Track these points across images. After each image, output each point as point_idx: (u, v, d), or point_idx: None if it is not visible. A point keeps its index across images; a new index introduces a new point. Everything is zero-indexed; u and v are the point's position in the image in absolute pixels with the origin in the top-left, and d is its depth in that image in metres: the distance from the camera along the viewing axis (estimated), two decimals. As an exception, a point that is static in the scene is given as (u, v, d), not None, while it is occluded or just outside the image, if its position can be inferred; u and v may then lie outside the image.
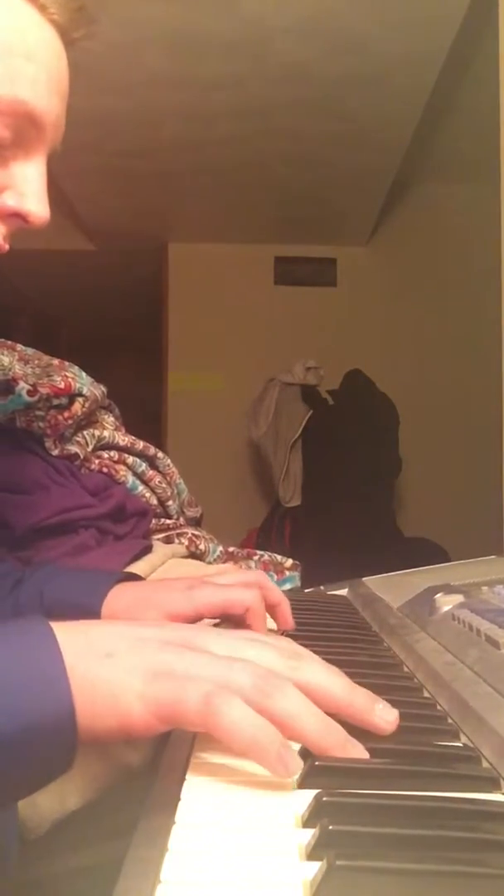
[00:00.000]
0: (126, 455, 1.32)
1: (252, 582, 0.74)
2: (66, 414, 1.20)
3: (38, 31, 0.64)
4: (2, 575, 0.84)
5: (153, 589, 0.75)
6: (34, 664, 0.43)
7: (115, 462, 1.29)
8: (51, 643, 0.44)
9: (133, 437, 1.34)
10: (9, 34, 0.62)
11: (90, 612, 0.72)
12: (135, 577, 0.80)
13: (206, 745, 0.47)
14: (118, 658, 0.45)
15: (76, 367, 1.29)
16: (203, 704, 0.42)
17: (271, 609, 0.74)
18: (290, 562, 1.41)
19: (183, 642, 0.47)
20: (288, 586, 1.33)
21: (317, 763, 0.43)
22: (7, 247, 0.69)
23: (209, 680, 0.43)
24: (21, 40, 0.62)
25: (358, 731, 0.47)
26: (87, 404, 1.23)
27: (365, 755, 0.45)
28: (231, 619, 0.71)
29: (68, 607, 0.74)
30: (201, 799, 0.42)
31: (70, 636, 0.45)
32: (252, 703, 0.43)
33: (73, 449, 1.22)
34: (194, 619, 0.71)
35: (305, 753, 0.46)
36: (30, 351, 1.29)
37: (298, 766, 0.42)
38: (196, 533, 1.34)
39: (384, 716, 0.48)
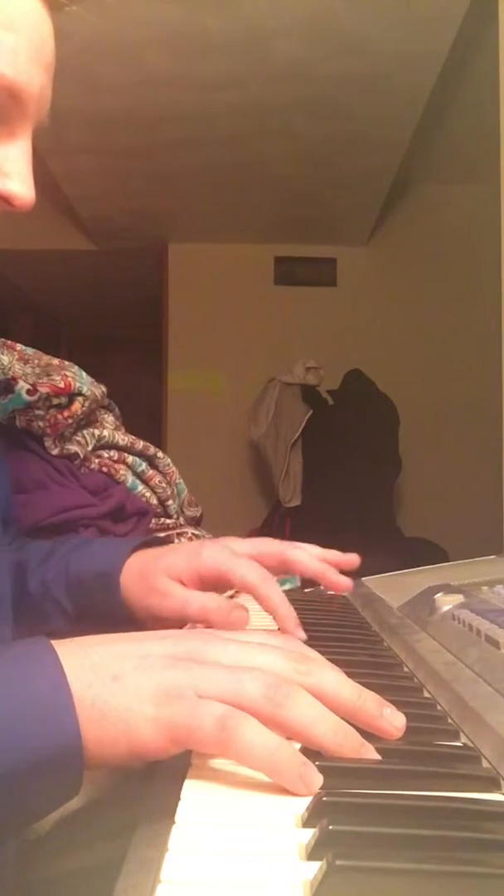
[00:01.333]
0: (126, 454, 1.32)
1: (272, 553, 0.74)
2: (65, 413, 1.19)
3: (20, 1, 0.60)
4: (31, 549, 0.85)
5: (163, 552, 0.76)
6: (39, 695, 0.42)
7: (115, 461, 1.29)
8: (55, 672, 0.43)
9: (133, 437, 1.34)
10: None
11: (110, 579, 0.75)
12: (158, 542, 0.81)
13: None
14: (125, 680, 0.44)
15: (76, 367, 1.29)
16: (218, 729, 0.41)
17: (310, 580, 0.75)
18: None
19: (189, 655, 0.46)
20: (287, 586, 1.33)
21: (317, 764, 0.43)
22: None
23: (220, 695, 0.43)
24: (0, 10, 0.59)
25: (358, 730, 0.47)
26: (86, 404, 1.23)
27: (377, 757, 0.45)
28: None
29: (90, 576, 0.77)
30: (201, 799, 0.42)
31: (73, 660, 0.44)
32: (265, 715, 0.43)
33: (73, 448, 1.22)
34: (196, 581, 0.71)
35: (305, 755, 0.46)
36: (29, 350, 1.28)
37: (318, 781, 0.42)
38: (196, 532, 1.35)
39: (392, 721, 0.48)
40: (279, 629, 0.70)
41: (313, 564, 0.74)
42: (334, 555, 0.76)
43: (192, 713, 0.42)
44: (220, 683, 0.43)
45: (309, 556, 0.75)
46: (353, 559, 0.77)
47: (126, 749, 0.43)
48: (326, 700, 0.45)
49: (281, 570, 0.75)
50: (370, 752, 0.45)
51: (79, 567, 0.79)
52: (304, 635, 0.68)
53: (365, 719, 0.47)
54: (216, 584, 0.72)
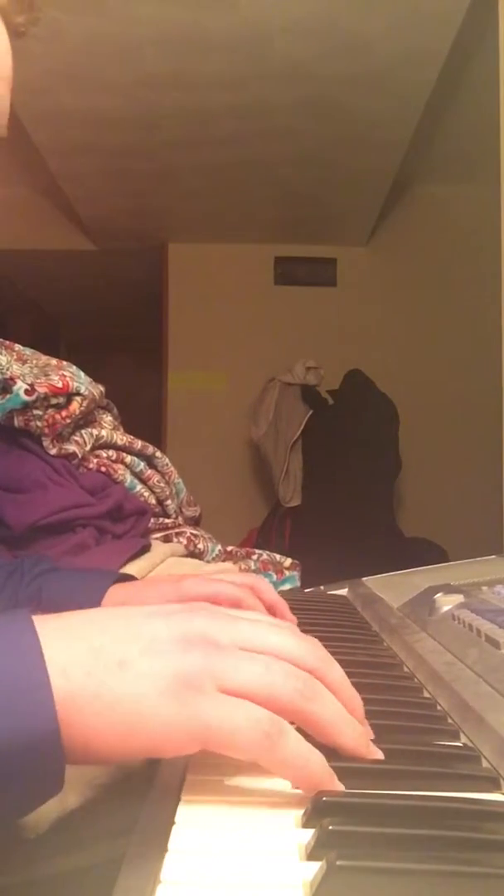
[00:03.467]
0: (124, 454, 1.32)
1: (245, 583, 0.73)
2: (63, 413, 1.19)
3: None
4: None
5: (144, 585, 0.76)
6: (9, 675, 0.37)
7: (114, 461, 1.29)
8: (32, 649, 0.38)
9: (131, 437, 1.34)
10: None
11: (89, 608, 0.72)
12: (130, 579, 0.80)
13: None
14: (134, 667, 0.39)
15: (74, 367, 1.29)
16: (261, 737, 0.39)
17: (268, 610, 0.73)
18: (289, 561, 1.41)
19: (203, 636, 0.42)
20: (288, 586, 1.33)
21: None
22: None
23: (250, 687, 0.40)
24: None
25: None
26: (84, 403, 1.23)
27: (381, 756, 0.45)
28: None
29: (64, 605, 0.74)
30: (201, 799, 0.42)
31: (66, 642, 0.40)
32: (294, 709, 0.41)
33: (72, 448, 1.22)
34: None
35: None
36: (28, 350, 1.29)
37: (341, 787, 0.41)
38: (194, 532, 1.35)
39: (367, 729, 0.47)
40: None
41: (275, 597, 0.74)
42: (284, 608, 0.75)
43: (227, 716, 0.39)
44: (249, 672, 0.41)
45: (273, 591, 0.75)
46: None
47: (139, 745, 0.39)
48: (339, 694, 0.45)
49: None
50: (378, 752, 0.45)
51: (53, 593, 0.76)
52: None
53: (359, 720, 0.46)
54: None
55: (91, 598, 0.73)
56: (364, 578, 1.06)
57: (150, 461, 1.36)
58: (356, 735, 0.44)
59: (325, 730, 0.43)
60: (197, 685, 0.39)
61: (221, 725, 0.39)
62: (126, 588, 0.75)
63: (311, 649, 0.45)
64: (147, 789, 0.44)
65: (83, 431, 1.26)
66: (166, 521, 1.36)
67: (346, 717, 0.44)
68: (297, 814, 0.39)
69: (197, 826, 0.38)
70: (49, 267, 5.01)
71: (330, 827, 0.35)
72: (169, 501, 1.37)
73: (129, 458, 1.32)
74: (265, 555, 1.42)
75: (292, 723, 0.42)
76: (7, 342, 1.27)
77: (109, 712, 0.38)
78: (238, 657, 0.41)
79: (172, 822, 0.38)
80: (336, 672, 0.46)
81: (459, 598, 0.75)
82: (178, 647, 0.41)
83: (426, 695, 0.60)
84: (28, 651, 0.38)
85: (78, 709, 0.38)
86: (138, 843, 0.37)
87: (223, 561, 1.33)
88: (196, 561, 1.28)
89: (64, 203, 4.16)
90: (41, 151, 3.35)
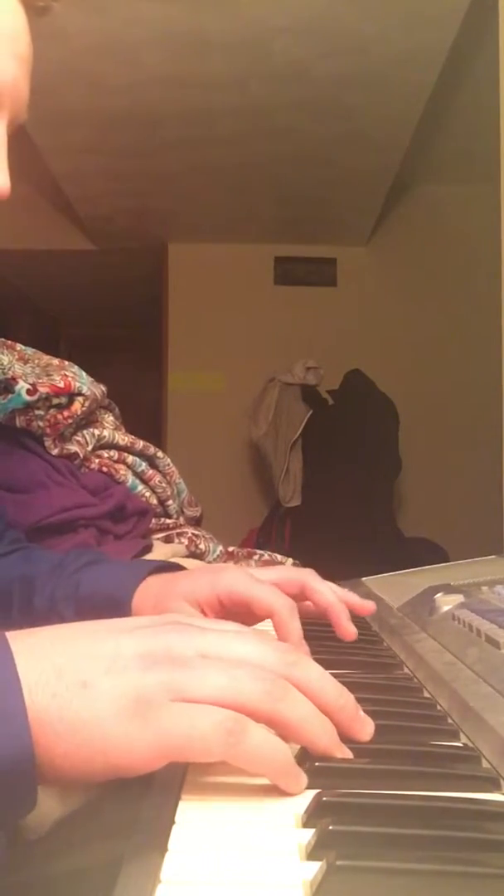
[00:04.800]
0: (126, 454, 1.32)
1: (294, 581, 0.70)
2: (65, 413, 1.20)
3: None
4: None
5: (179, 577, 0.73)
6: None
7: (115, 461, 1.29)
8: (7, 672, 0.38)
9: (133, 437, 1.34)
10: None
11: (121, 604, 0.71)
12: (174, 567, 0.78)
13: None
14: (97, 687, 0.39)
15: (76, 367, 1.29)
16: (223, 737, 0.39)
17: (322, 614, 0.71)
18: (289, 561, 1.41)
19: (168, 651, 0.41)
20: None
21: (317, 763, 0.43)
22: None
23: (216, 694, 0.40)
24: None
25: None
26: (86, 403, 1.23)
27: (350, 755, 0.45)
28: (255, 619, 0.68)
29: (100, 599, 0.74)
30: (201, 798, 0.42)
31: (32, 662, 0.39)
32: (263, 711, 0.41)
33: (73, 448, 1.22)
34: (216, 606, 0.68)
35: (305, 755, 0.46)
36: (29, 350, 1.29)
37: (305, 778, 0.42)
38: (196, 532, 1.34)
39: (366, 726, 0.47)
40: None
41: (331, 599, 0.71)
42: (353, 598, 0.73)
43: (188, 723, 0.39)
44: (212, 683, 0.41)
45: (330, 591, 0.72)
46: (370, 606, 0.74)
47: (104, 766, 0.39)
48: (313, 695, 0.44)
49: (300, 598, 0.71)
50: (347, 752, 0.45)
51: (90, 588, 0.76)
52: None
53: (344, 719, 0.46)
54: (237, 610, 0.68)
55: (125, 592, 0.72)
56: (364, 578, 1.06)
57: (151, 461, 1.36)
58: (327, 734, 0.44)
59: (294, 730, 0.42)
60: (156, 700, 0.39)
61: (183, 735, 0.39)
62: (161, 580, 0.73)
63: (280, 655, 0.45)
64: (147, 789, 0.44)
65: (85, 431, 1.26)
66: (168, 521, 1.36)
67: (315, 717, 0.43)
68: (297, 814, 0.39)
69: (197, 826, 0.38)
70: (49, 267, 5.01)
71: (330, 827, 0.35)
72: (170, 502, 1.37)
73: (130, 459, 1.32)
74: (266, 555, 1.42)
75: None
76: (9, 342, 1.27)
77: (73, 735, 0.38)
78: (202, 668, 0.41)
79: (172, 822, 0.38)
80: (310, 672, 0.45)
81: (459, 598, 0.75)
82: (140, 664, 0.41)
83: (426, 695, 0.60)
84: (4, 677, 0.38)
85: (44, 732, 0.38)
86: (138, 843, 0.37)
87: (224, 561, 1.33)
88: (197, 561, 1.28)
89: (64, 203, 4.16)
90: (42, 151, 3.35)
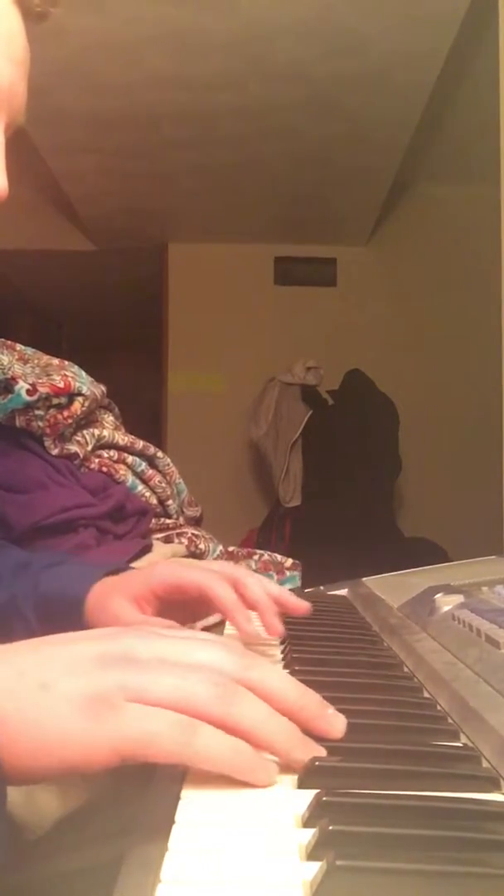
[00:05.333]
0: (126, 454, 1.32)
1: (227, 574, 0.72)
2: (65, 413, 1.19)
3: None
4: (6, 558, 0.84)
5: (126, 575, 0.76)
6: None
7: (115, 461, 1.29)
8: None
9: (133, 437, 1.34)
10: None
11: (75, 603, 0.73)
12: (126, 568, 0.80)
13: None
14: (55, 688, 0.40)
15: (76, 367, 1.29)
16: (175, 738, 0.40)
17: (252, 610, 0.72)
18: (290, 561, 1.41)
19: (125, 654, 0.43)
20: (289, 586, 1.33)
21: (317, 763, 0.43)
22: None
23: (167, 697, 0.41)
24: None
25: (355, 728, 0.47)
26: (86, 403, 1.23)
27: (322, 752, 0.45)
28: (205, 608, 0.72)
29: (57, 598, 0.76)
30: (201, 798, 0.42)
31: None
32: (215, 715, 0.41)
33: (73, 448, 1.22)
34: (152, 599, 0.71)
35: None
36: (29, 350, 1.29)
37: (275, 768, 0.42)
38: (196, 532, 1.34)
39: (335, 723, 0.46)
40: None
41: (258, 595, 0.72)
42: (288, 597, 0.74)
43: (142, 724, 0.40)
44: (165, 685, 0.41)
45: (260, 587, 0.72)
46: (303, 606, 0.75)
47: (60, 763, 0.40)
48: (271, 697, 0.44)
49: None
50: (314, 748, 0.44)
51: (48, 587, 0.77)
52: (277, 628, 0.70)
53: (306, 719, 0.45)
54: (173, 599, 0.71)
55: (78, 591, 0.74)
56: (364, 578, 1.06)
57: (151, 461, 1.36)
58: (283, 735, 0.43)
59: (247, 734, 0.42)
60: (112, 699, 0.40)
61: (137, 735, 0.40)
62: (109, 579, 0.75)
63: (237, 659, 0.45)
64: (147, 789, 0.44)
65: (85, 431, 1.26)
66: (167, 521, 1.36)
67: (269, 719, 0.43)
68: (297, 814, 0.39)
69: (197, 826, 0.39)
70: (49, 267, 5.01)
71: (330, 827, 0.35)
72: (170, 502, 1.37)
73: (130, 459, 1.32)
74: (266, 555, 1.42)
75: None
76: (9, 342, 1.27)
77: (33, 733, 0.39)
78: (156, 670, 0.42)
79: (172, 822, 0.39)
80: (268, 675, 0.45)
81: (459, 598, 0.75)
82: (97, 666, 0.42)
83: (426, 695, 0.60)
84: None
85: (5, 731, 0.39)
86: (138, 843, 0.37)
87: (224, 561, 1.33)
88: (196, 561, 1.28)
89: (64, 203, 4.16)
90: (41, 151, 3.35)
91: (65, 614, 0.74)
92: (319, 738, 0.46)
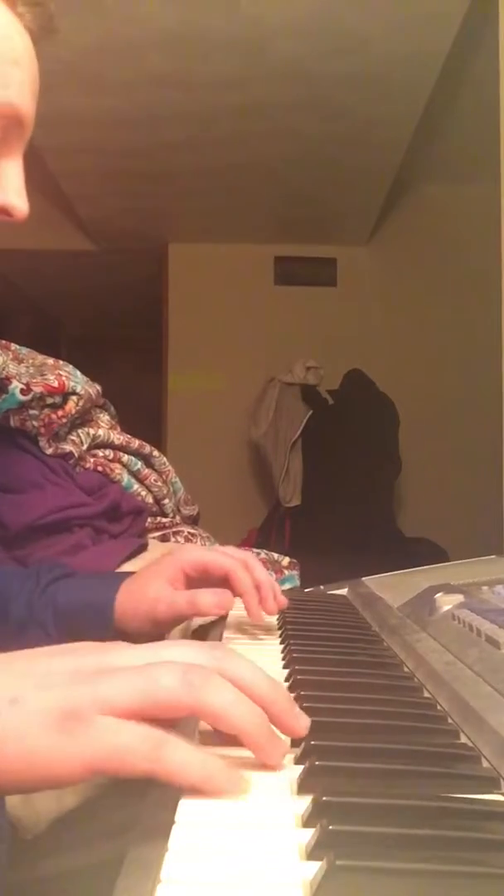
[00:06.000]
0: (121, 453, 1.31)
1: (238, 557, 0.80)
2: (59, 413, 1.19)
3: (20, 37, 0.69)
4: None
5: (145, 569, 0.82)
6: None
7: (111, 461, 1.29)
8: None
9: (128, 436, 1.34)
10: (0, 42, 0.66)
11: (104, 607, 0.78)
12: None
13: (206, 744, 0.47)
14: (25, 703, 0.40)
15: (70, 366, 1.29)
16: (147, 753, 0.40)
17: (254, 588, 0.79)
18: (287, 560, 1.41)
19: (97, 667, 0.43)
20: (287, 586, 1.33)
21: (317, 763, 0.43)
22: None
23: (133, 698, 0.41)
24: (10, 47, 0.67)
25: (357, 728, 0.47)
26: (81, 403, 1.22)
27: (287, 750, 0.45)
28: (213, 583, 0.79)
29: (82, 608, 0.80)
30: (201, 798, 0.42)
31: None
32: (184, 703, 0.41)
33: (68, 448, 1.22)
34: (182, 578, 0.78)
35: (305, 755, 0.46)
36: (24, 350, 1.28)
37: (246, 782, 0.42)
38: (192, 531, 1.34)
39: (302, 721, 0.46)
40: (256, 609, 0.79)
41: (265, 579, 0.81)
42: (268, 595, 0.81)
43: (112, 737, 0.40)
44: (131, 686, 0.41)
45: (264, 571, 0.81)
46: (281, 605, 0.82)
47: (36, 779, 0.40)
48: (242, 689, 0.44)
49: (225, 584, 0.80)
50: (282, 746, 0.45)
51: (69, 599, 0.82)
52: (275, 607, 0.78)
53: (276, 713, 0.45)
54: (200, 577, 0.79)
55: (106, 601, 0.79)
56: (364, 578, 1.06)
57: (147, 460, 1.35)
58: (255, 720, 0.43)
59: (218, 716, 0.42)
60: (82, 715, 0.40)
61: (108, 749, 0.40)
62: (141, 570, 0.82)
63: (208, 652, 0.45)
64: (147, 789, 0.44)
65: (80, 431, 1.26)
66: (163, 520, 1.36)
67: (241, 702, 0.43)
68: (297, 814, 0.39)
69: (197, 825, 0.38)
70: (49, 267, 5.01)
71: (330, 827, 0.35)
72: (166, 500, 1.36)
73: (126, 458, 1.31)
74: (263, 554, 1.42)
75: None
76: (3, 342, 1.27)
77: (2, 749, 0.39)
78: (124, 677, 0.42)
79: (172, 822, 0.38)
80: (240, 666, 0.45)
81: (459, 598, 0.75)
82: (69, 679, 0.42)
83: (426, 695, 0.60)
84: None
85: None
86: (138, 843, 0.37)
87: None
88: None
89: (64, 203, 4.16)
90: (41, 151, 3.35)
91: (91, 622, 0.78)
92: (285, 734, 0.46)
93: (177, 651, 0.45)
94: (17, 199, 0.70)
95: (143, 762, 0.40)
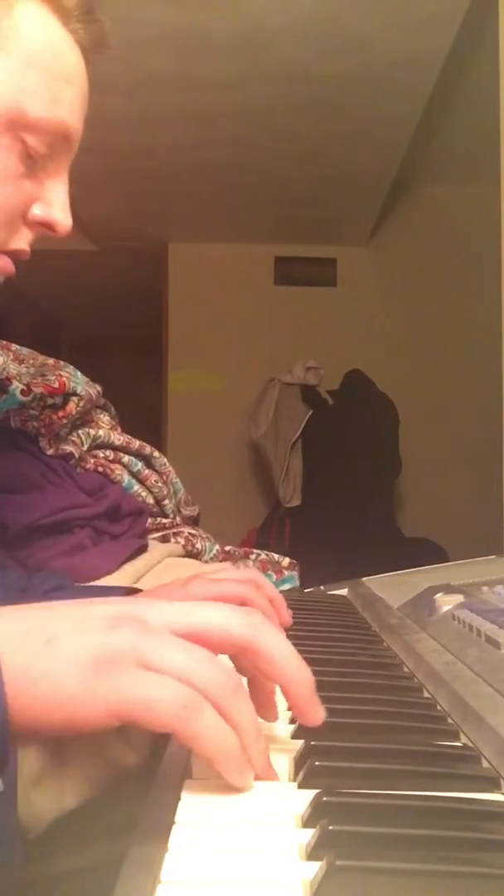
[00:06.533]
0: (122, 454, 1.31)
1: (246, 579, 0.73)
2: (60, 413, 1.19)
3: (73, 55, 0.70)
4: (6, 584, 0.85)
5: (152, 594, 0.76)
6: None
7: (111, 461, 1.29)
8: None
9: (129, 437, 1.34)
10: (52, 59, 0.67)
11: None
12: (136, 592, 0.81)
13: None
14: (60, 643, 0.41)
15: (71, 367, 1.29)
16: (177, 710, 0.40)
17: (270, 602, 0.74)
18: (287, 561, 1.41)
19: (135, 617, 0.43)
20: (287, 586, 1.33)
21: (317, 763, 0.43)
22: (29, 253, 0.74)
23: (172, 669, 0.41)
24: (62, 64, 0.68)
25: (357, 728, 0.47)
26: (81, 403, 1.22)
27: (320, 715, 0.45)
28: None
29: None
30: (201, 798, 0.42)
31: (8, 622, 0.41)
32: (211, 698, 0.41)
33: (68, 448, 1.22)
34: None
35: (305, 755, 0.46)
36: (25, 351, 1.28)
37: (251, 776, 0.42)
38: (192, 532, 1.34)
39: (318, 711, 0.46)
40: None
41: (276, 595, 0.73)
42: (283, 603, 0.75)
43: (146, 689, 0.40)
44: (172, 658, 0.41)
45: (273, 587, 0.74)
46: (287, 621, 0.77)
47: (60, 719, 0.40)
48: (272, 662, 0.45)
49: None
50: (273, 775, 0.45)
51: None
52: (289, 620, 0.71)
53: (299, 694, 0.46)
54: None
55: None
56: (364, 578, 1.06)
57: (147, 461, 1.35)
58: (259, 750, 0.43)
59: (236, 729, 0.42)
60: (118, 660, 0.41)
61: (139, 699, 0.40)
62: (149, 594, 0.75)
63: (243, 618, 0.46)
64: (147, 789, 0.44)
65: (80, 431, 1.26)
66: (164, 521, 1.36)
67: (255, 729, 0.43)
68: (297, 814, 0.39)
69: (197, 825, 0.38)
70: (49, 267, 5.00)
71: (330, 827, 0.35)
72: (167, 501, 1.36)
73: (126, 458, 1.31)
74: (263, 554, 1.42)
75: None
76: (4, 342, 1.26)
77: (33, 687, 0.40)
78: (166, 640, 0.42)
79: (172, 822, 0.38)
80: (273, 642, 0.46)
81: (459, 598, 0.75)
82: (106, 625, 0.42)
83: (426, 695, 0.60)
84: None
85: (9, 685, 0.39)
86: (138, 843, 0.37)
87: (221, 561, 1.33)
88: (194, 561, 1.28)
89: (64, 203, 4.16)
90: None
91: None
92: (300, 719, 0.46)
93: (213, 612, 0.45)
94: (61, 215, 0.70)
95: (170, 718, 0.40)
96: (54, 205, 0.70)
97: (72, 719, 0.40)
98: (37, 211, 0.70)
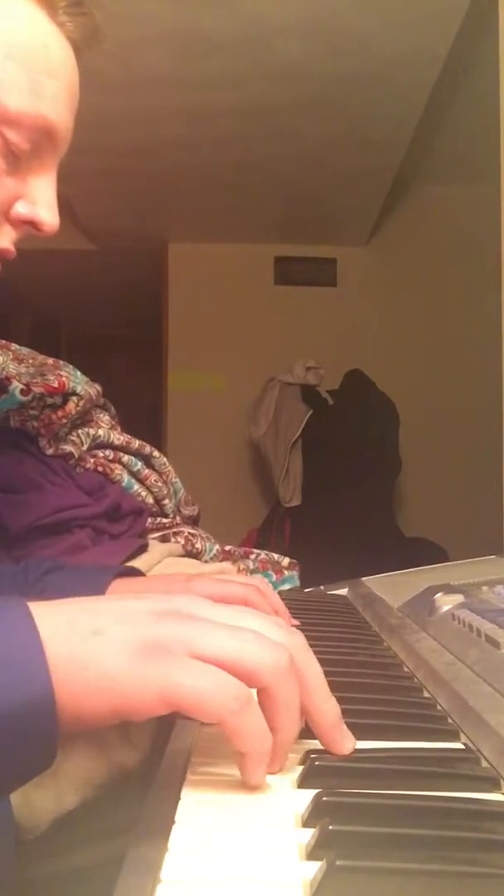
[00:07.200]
0: (121, 454, 1.31)
1: (250, 584, 0.73)
2: (60, 413, 1.19)
3: (59, 48, 0.66)
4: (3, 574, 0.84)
5: (151, 582, 0.76)
6: (6, 645, 0.39)
7: (111, 461, 1.29)
8: (26, 623, 0.40)
9: (128, 436, 1.34)
10: (33, 50, 0.64)
11: (99, 593, 0.73)
12: (135, 572, 0.80)
13: (206, 745, 0.47)
14: (107, 634, 0.41)
15: (70, 367, 1.29)
16: (227, 702, 0.40)
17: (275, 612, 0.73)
18: (287, 561, 1.41)
19: (177, 611, 0.43)
20: (287, 586, 1.33)
21: (317, 763, 0.43)
22: (14, 252, 0.71)
23: (221, 654, 0.41)
24: (45, 57, 0.65)
25: (355, 728, 0.47)
26: (81, 403, 1.22)
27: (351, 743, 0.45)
28: None
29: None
30: (201, 798, 0.42)
31: (48, 616, 0.41)
32: (263, 679, 0.42)
33: (68, 448, 1.22)
34: None
35: (305, 755, 0.46)
36: (24, 350, 1.28)
37: (265, 776, 0.43)
38: (192, 532, 1.34)
39: (347, 740, 0.46)
40: None
41: (280, 605, 0.73)
42: (287, 614, 0.75)
43: (196, 678, 0.40)
44: (221, 639, 0.42)
45: (277, 597, 0.75)
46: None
47: (108, 706, 0.40)
48: (305, 687, 0.45)
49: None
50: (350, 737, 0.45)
51: (56, 593, 0.77)
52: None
53: (324, 723, 0.46)
54: None
55: (93, 594, 0.73)
56: (364, 578, 1.06)
57: (147, 461, 1.35)
58: (292, 737, 0.44)
59: (280, 708, 0.43)
60: (167, 648, 0.41)
61: (189, 687, 0.40)
62: (130, 582, 0.75)
63: (287, 636, 0.45)
64: (147, 789, 0.44)
65: (80, 431, 1.26)
66: (164, 520, 1.35)
67: (295, 715, 0.44)
68: (297, 814, 0.39)
69: (197, 825, 0.38)
70: (49, 267, 5.00)
71: (330, 827, 0.35)
72: (166, 501, 1.36)
73: (126, 458, 1.31)
74: (263, 554, 1.42)
75: None
76: (3, 342, 1.26)
77: (81, 675, 0.39)
78: (213, 626, 0.43)
79: (172, 822, 0.38)
80: (309, 665, 0.46)
81: (459, 598, 0.75)
82: (151, 618, 0.42)
83: (426, 695, 0.60)
84: (22, 624, 0.40)
85: (55, 674, 0.39)
86: (138, 843, 0.37)
87: (221, 561, 1.33)
88: (194, 561, 1.28)
89: (64, 203, 4.15)
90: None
91: None
92: (327, 749, 0.46)
93: (255, 621, 0.45)
94: (47, 214, 0.69)
95: (219, 710, 0.40)
96: (39, 203, 0.69)
97: (120, 705, 0.40)
98: (20, 209, 0.69)
